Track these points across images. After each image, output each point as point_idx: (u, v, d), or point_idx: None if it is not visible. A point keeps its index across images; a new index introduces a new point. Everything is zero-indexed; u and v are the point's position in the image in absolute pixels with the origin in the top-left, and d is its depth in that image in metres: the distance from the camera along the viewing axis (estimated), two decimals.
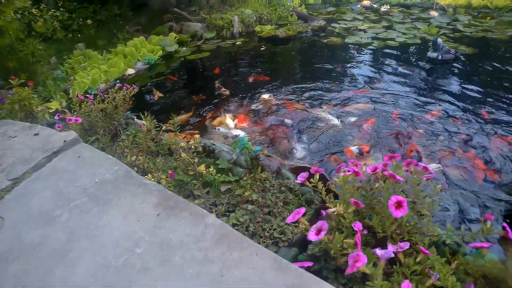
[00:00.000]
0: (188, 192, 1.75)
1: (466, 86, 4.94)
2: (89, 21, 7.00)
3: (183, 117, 4.03)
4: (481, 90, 4.81)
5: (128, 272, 1.10)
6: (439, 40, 5.68)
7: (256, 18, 7.75)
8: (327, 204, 1.23)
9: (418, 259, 1.08)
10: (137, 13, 8.27)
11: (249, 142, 2.16)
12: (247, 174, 1.80)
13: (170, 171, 1.75)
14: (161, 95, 4.82)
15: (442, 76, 5.36)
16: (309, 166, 1.84)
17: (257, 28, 7.43)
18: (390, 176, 1.19)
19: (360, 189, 1.27)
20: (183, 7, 8.47)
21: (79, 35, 6.89)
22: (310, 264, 1.17)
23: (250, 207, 1.53)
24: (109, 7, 8.02)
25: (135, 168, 1.82)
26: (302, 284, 0.93)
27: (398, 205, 1.08)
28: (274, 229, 1.43)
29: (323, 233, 1.04)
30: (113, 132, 2.60)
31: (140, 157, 1.96)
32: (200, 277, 1.04)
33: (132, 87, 2.70)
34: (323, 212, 1.34)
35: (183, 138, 2.69)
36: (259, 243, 1.38)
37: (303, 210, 1.19)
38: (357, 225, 1.10)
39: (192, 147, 1.86)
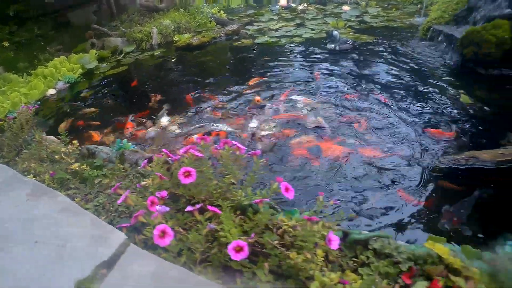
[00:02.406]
0: (68, 186, 2.17)
1: (357, 70, 5.69)
2: (5, 43, 7.08)
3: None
4: (373, 72, 5.58)
5: None
6: (335, 32, 6.35)
7: (175, 27, 8.14)
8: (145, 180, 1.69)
9: (207, 215, 1.48)
10: (59, 32, 8.41)
11: (129, 143, 2.61)
12: (113, 168, 2.24)
13: (51, 171, 2.17)
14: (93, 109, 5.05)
15: (337, 63, 6.02)
16: (152, 154, 2.26)
17: (176, 38, 7.82)
18: (193, 153, 1.66)
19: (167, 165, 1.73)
20: (104, 23, 8.74)
21: None
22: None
23: (109, 191, 1.97)
24: (29, 28, 8.11)
25: (26, 173, 2.23)
26: (101, 234, 1.37)
27: (187, 174, 1.52)
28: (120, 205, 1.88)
29: (124, 197, 1.48)
30: (19, 148, 2.97)
31: (32, 164, 2.36)
32: (45, 231, 1.47)
33: (29, 108, 3.08)
34: (138, 185, 1.80)
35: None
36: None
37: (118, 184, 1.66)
38: (162, 193, 1.54)
39: (70, 151, 2.29)
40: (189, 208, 1.43)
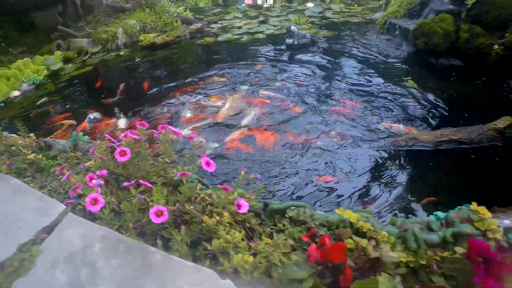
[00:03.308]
0: (25, 175, 2.33)
1: (312, 62, 5.97)
2: None
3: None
4: (328, 64, 5.88)
5: None
6: (292, 27, 6.60)
7: (140, 27, 8.26)
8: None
9: (140, 189, 1.67)
10: (24, 34, 8.38)
11: (85, 136, 2.79)
12: (67, 156, 2.42)
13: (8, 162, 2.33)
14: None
15: (294, 57, 6.29)
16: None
17: (141, 37, 7.95)
18: (131, 136, 1.86)
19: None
20: (70, 24, 8.78)
21: None
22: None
23: (61, 177, 2.15)
24: None
25: None
26: (46, 207, 1.55)
27: (123, 153, 1.71)
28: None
29: (67, 176, 1.68)
30: None
31: None
32: None
33: None
34: (82, 166, 2.00)
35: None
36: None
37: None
38: (102, 172, 1.73)
39: (27, 143, 2.46)
40: (125, 184, 1.63)
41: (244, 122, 4.11)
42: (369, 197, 2.90)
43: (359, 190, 2.99)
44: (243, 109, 4.38)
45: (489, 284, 1.10)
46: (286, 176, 3.20)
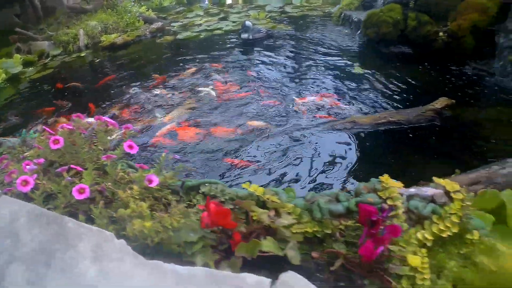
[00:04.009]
0: None
1: (270, 55, 6.18)
2: None
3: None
4: (280, 56, 6.11)
5: None
6: (247, 22, 6.79)
7: (102, 28, 8.31)
8: None
9: (73, 173, 1.83)
10: None
11: (35, 134, 2.93)
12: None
13: None
14: None
15: (248, 51, 6.49)
16: None
17: (103, 38, 8.00)
18: (65, 127, 2.02)
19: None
20: (30, 26, 8.71)
21: None
22: None
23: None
24: None
25: None
26: None
27: (57, 141, 1.83)
28: None
29: (5, 165, 1.83)
30: None
31: None
32: None
33: None
34: (21, 156, 2.16)
35: None
36: None
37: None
38: (39, 160, 1.89)
39: None
40: (59, 169, 1.80)
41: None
42: (306, 178, 3.11)
43: (299, 172, 3.21)
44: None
45: (367, 243, 1.21)
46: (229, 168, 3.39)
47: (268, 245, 1.29)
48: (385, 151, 3.55)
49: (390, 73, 5.16)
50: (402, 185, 1.65)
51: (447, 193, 1.55)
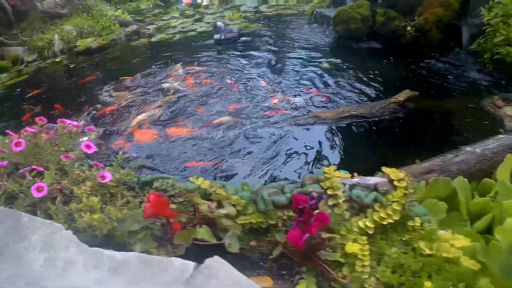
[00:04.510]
0: None
1: (241, 54, 6.33)
2: None
3: None
4: (251, 54, 6.25)
5: None
6: (218, 23, 6.91)
7: (77, 33, 8.31)
8: None
9: (33, 173, 1.94)
10: None
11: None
12: None
13: None
14: None
15: (221, 51, 6.61)
16: None
17: (78, 43, 8.00)
18: (28, 130, 2.11)
19: None
20: (2, 31, 8.57)
21: None
22: None
23: None
24: None
25: None
26: None
27: (19, 144, 1.93)
28: None
29: None
30: None
31: None
32: None
33: None
34: None
35: None
36: None
37: None
38: (3, 163, 1.97)
39: None
40: (22, 170, 1.89)
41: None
42: (271, 173, 3.24)
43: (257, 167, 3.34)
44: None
45: (294, 230, 1.29)
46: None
47: (202, 233, 1.41)
48: (349, 144, 3.67)
49: (359, 68, 5.34)
50: (349, 175, 1.77)
51: (391, 181, 1.62)
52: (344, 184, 1.66)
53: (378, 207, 1.53)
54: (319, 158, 3.42)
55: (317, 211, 1.37)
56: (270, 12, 9.21)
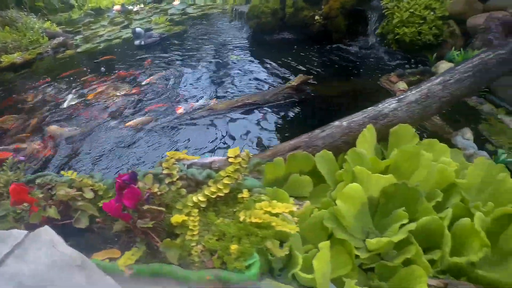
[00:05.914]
0: None
1: (163, 56, 6.59)
2: None
3: None
4: (169, 55, 6.56)
5: None
6: (137, 29, 7.12)
7: (1, 47, 8.22)
8: None
9: None
10: None
11: None
12: None
13: None
14: None
15: (143, 56, 6.77)
16: None
17: (2, 58, 7.92)
18: None
19: None
20: None
21: None
22: None
23: None
24: None
25: None
26: None
27: None
28: None
29: None
30: None
31: None
32: None
33: None
34: None
35: None
36: None
37: None
38: None
39: None
40: None
41: None
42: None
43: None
44: None
45: (110, 201, 1.49)
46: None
47: (51, 212, 1.68)
48: (250, 130, 3.98)
49: (269, 58, 5.78)
50: (197, 158, 2.05)
51: (227, 159, 1.80)
52: (184, 165, 1.92)
53: (211, 182, 1.73)
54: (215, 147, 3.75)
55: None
56: (196, 13, 9.49)
